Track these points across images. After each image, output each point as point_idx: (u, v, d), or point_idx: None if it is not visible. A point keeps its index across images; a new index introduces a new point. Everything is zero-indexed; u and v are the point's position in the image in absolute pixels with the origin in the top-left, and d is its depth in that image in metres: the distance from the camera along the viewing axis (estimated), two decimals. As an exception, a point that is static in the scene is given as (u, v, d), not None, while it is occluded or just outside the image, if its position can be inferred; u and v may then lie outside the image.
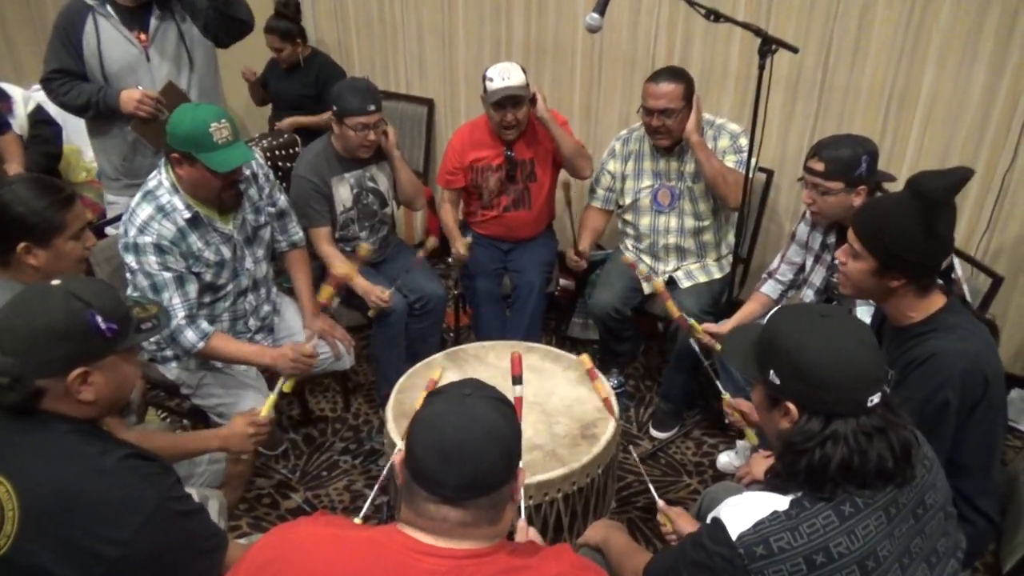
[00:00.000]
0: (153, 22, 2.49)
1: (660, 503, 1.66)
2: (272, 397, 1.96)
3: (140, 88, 2.46)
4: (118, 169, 2.65)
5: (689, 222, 2.66)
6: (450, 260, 2.74)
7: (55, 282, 1.26)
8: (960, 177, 1.46)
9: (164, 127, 2.47)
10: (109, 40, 2.45)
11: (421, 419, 1.06)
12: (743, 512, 1.14)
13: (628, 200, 2.72)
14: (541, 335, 2.98)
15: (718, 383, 2.08)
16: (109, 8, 2.43)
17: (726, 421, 1.95)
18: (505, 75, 2.59)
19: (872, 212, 1.59)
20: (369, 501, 1.81)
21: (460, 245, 2.77)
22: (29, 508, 1.14)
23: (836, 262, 2.21)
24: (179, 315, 2.04)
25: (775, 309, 1.29)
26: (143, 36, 2.49)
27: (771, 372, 1.18)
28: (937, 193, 1.46)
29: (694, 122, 2.48)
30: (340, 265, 2.49)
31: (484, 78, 2.64)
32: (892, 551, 1.12)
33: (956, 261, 1.97)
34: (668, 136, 2.54)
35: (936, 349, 1.50)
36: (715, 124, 2.60)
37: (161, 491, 1.22)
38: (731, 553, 1.11)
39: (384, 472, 1.86)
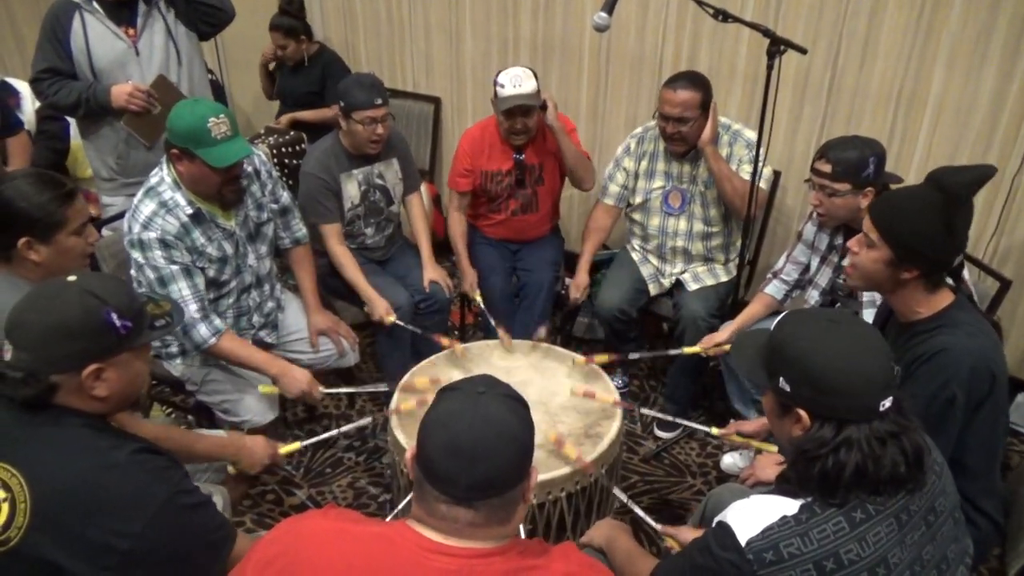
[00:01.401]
0: (140, 16, 2.49)
1: (659, 527, 1.65)
2: (297, 444, 1.95)
3: (131, 82, 2.46)
4: (112, 168, 2.64)
5: (698, 226, 2.65)
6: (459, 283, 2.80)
7: (71, 278, 1.26)
8: (983, 173, 1.46)
9: (157, 121, 2.49)
10: (97, 36, 2.45)
11: (434, 417, 1.05)
12: (751, 517, 1.13)
13: (638, 200, 2.71)
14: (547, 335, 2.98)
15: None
16: (95, 4, 2.42)
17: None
18: (517, 82, 2.56)
19: (892, 203, 1.58)
20: (398, 509, 1.80)
21: (469, 286, 2.79)
22: (41, 500, 1.15)
23: (844, 262, 2.21)
24: (191, 308, 2.03)
25: (782, 315, 1.28)
26: (131, 31, 2.49)
27: (780, 379, 1.17)
28: (961, 187, 1.45)
29: (710, 132, 2.45)
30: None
31: (496, 83, 2.61)
32: (903, 558, 1.11)
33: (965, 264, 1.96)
34: (683, 143, 2.52)
35: (944, 345, 1.50)
36: (731, 129, 2.56)
37: (170, 485, 1.23)
38: (740, 559, 1.10)
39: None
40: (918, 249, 1.50)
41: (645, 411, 2.24)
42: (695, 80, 2.45)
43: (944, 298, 1.57)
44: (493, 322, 2.53)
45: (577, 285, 2.73)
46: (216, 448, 1.83)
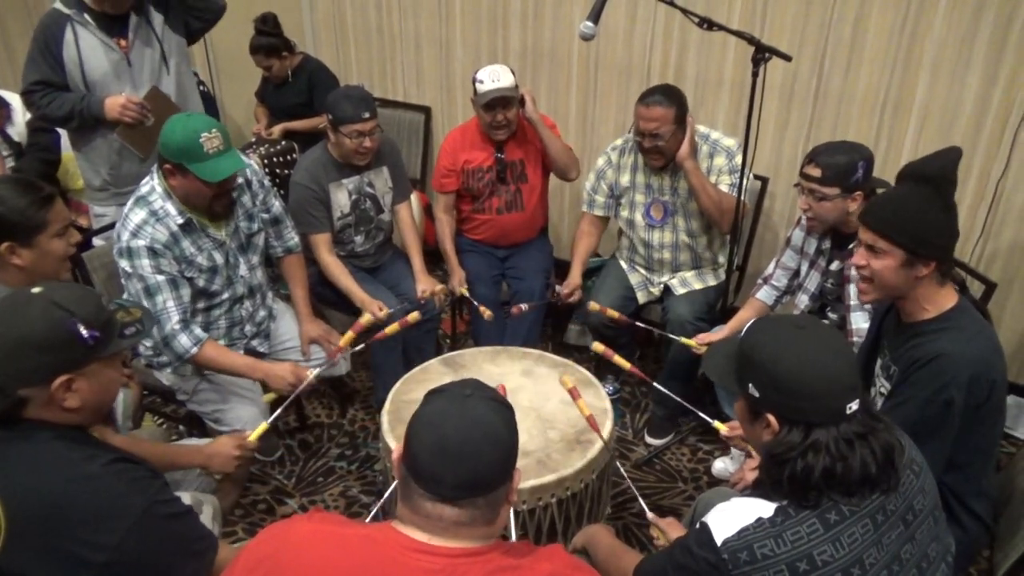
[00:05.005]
0: (132, 27, 2.49)
1: (650, 515, 1.65)
2: (263, 425, 1.94)
3: (124, 94, 2.47)
4: (105, 179, 2.64)
5: (683, 237, 2.65)
6: (446, 285, 2.83)
7: (36, 289, 1.24)
8: (956, 154, 1.51)
9: (151, 132, 2.49)
10: (89, 48, 2.45)
11: (421, 417, 1.07)
12: (729, 518, 1.14)
13: (623, 213, 2.71)
14: (538, 342, 2.99)
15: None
16: (87, 16, 2.43)
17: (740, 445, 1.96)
18: (495, 77, 2.62)
19: (888, 205, 1.58)
20: (372, 513, 1.79)
21: (456, 283, 2.81)
22: (16, 517, 1.14)
23: (832, 267, 2.23)
24: (173, 319, 2.04)
25: (750, 323, 1.29)
26: (123, 42, 2.49)
27: (750, 385, 1.18)
28: (944, 171, 1.50)
29: (687, 148, 2.44)
30: (367, 317, 2.45)
31: (474, 80, 2.66)
32: (880, 558, 1.12)
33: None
34: (661, 157, 2.51)
35: (943, 350, 1.51)
36: (709, 139, 2.55)
37: (148, 495, 1.22)
38: (715, 558, 1.12)
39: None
40: (931, 240, 1.52)
41: (658, 386, 2.23)
42: (669, 94, 2.43)
43: (949, 298, 1.58)
44: (476, 303, 2.65)
45: (569, 284, 2.73)
46: (182, 458, 1.81)
